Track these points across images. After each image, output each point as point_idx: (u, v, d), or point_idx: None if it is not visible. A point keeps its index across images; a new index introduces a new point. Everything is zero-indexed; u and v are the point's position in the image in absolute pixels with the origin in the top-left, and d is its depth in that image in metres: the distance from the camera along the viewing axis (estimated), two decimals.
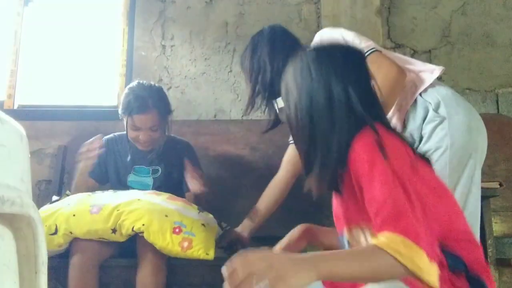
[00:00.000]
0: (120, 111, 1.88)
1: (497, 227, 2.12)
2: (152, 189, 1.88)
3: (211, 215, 1.73)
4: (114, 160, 1.94)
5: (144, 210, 1.53)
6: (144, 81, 1.93)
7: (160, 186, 1.90)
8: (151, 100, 1.83)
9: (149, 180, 1.92)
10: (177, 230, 1.51)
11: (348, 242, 1.06)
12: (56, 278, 1.61)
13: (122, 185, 1.90)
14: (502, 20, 2.58)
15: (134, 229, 1.51)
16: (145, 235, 1.50)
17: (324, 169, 1.00)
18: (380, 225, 0.86)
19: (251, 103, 1.65)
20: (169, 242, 1.49)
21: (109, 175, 1.95)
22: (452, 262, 0.93)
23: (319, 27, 2.52)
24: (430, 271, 0.81)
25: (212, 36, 2.53)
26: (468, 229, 1.01)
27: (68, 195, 1.76)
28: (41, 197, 2.26)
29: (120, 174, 1.93)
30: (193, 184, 1.83)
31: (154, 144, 1.89)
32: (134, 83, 1.92)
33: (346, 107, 0.99)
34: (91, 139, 1.88)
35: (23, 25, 2.52)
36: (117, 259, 1.67)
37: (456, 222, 1.00)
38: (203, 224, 1.59)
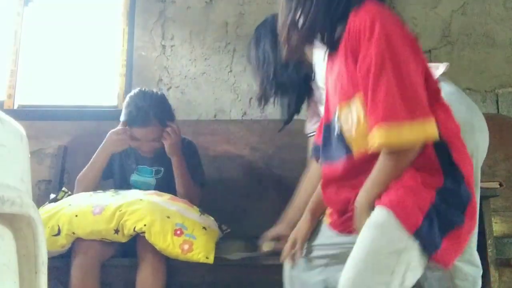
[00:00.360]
0: (121, 118, 1.87)
1: (497, 227, 2.12)
2: (155, 189, 1.88)
3: (212, 218, 1.73)
4: (120, 157, 1.95)
5: (146, 211, 1.53)
6: (146, 89, 1.90)
7: (163, 186, 1.89)
8: (152, 112, 1.80)
9: (152, 181, 1.93)
10: (178, 232, 1.51)
11: (340, 127, 1.07)
12: (58, 278, 1.61)
13: (126, 183, 1.92)
14: (502, 20, 2.58)
15: (136, 229, 1.51)
16: (146, 235, 1.51)
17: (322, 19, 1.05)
18: (373, 121, 0.94)
19: (263, 96, 1.61)
20: (169, 244, 1.49)
21: (114, 172, 1.96)
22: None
23: None
24: (423, 130, 0.91)
25: (212, 36, 2.53)
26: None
27: (65, 192, 1.77)
28: (41, 197, 2.26)
29: (125, 172, 1.94)
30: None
31: (156, 151, 1.89)
32: (135, 91, 1.89)
33: None
34: (118, 128, 1.84)
35: (23, 25, 2.52)
36: (118, 258, 1.67)
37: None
38: (204, 227, 1.59)
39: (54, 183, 2.23)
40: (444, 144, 0.96)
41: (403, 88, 0.93)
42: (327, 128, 1.13)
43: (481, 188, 1.71)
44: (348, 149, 1.04)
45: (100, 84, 2.60)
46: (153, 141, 1.85)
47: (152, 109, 1.81)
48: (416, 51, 1.03)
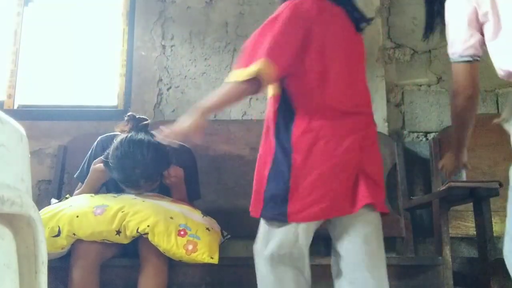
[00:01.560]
0: (105, 156, 1.66)
1: (497, 227, 2.12)
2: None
3: (214, 220, 1.72)
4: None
5: (150, 212, 1.52)
6: (135, 143, 1.62)
7: (160, 192, 1.80)
8: (142, 180, 1.61)
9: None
10: (182, 232, 1.50)
11: None
12: (58, 279, 1.61)
13: (118, 187, 1.78)
14: None
15: (139, 230, 1.50)
16: (149, 236, 1.49)
17: None
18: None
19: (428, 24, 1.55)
20: (173, 245, 1.48)
21: (109, 188, 1.87)
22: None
23: None
24: (253, 68, 1.23)
25: (212, 36, 2.53)
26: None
27: (67, 198, 1.75)
28: (41, 197, 2.26)
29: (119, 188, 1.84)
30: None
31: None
32: (123, 145, 1.62)
33: None
34: (99, 165, 1.71)
35: (23, 25, 2.52)
36: (118, 258, 1.67)
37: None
38: (207, 228, 1.58)
39: (54, 183, 2.23)
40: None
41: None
42: None
43: (481, 188, 1.72)
44: None
45: (100, 84, 2.60)
46: (146, 191, 1.71)
47: (142, 175, 1.60)
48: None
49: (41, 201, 2.19)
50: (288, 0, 1.38)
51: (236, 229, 2.14)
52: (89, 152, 1.86)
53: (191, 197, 1.83)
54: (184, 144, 1.74)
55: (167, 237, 1.48)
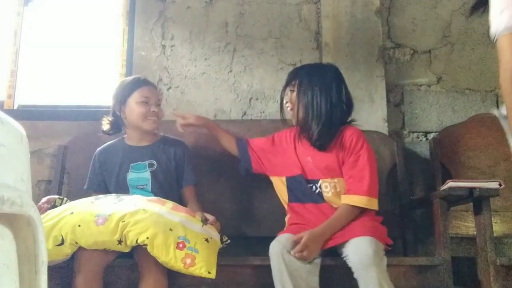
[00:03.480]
0: (119, 96, 1.96)
1: (497, 227, 2.12)
2: (152, 183, 1.90)
3: (214, 228, 1.71)
4: (111, 166, 1.97)
5: (149, 222, 1.51)
6: None
7: (158, 178, 1.92)
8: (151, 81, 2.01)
9: (147, 174, 1.93)
10: (180, 245, 1.50)
11: (320, 188, 1.83)
12: (60, 284, 1.61)
13: (123, 185, 1.92)
14: None
15: (138, 241, 1.49)
16: (148, 248, 1.49)
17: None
18: (366, 190, 1.74)
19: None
20: (172, 258, 1.47)
21: (108, 183, 1.97)
22: None
23: (319, 27, 2.52)
24: (374, 204, 1.75)
25: (212, 36, 2.53)
26: None
27: (61, 199, 1.76)
28: (41, 197, 2.25)
29: (120, 176, 1.94)
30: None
31: (158, 124, 1.97)
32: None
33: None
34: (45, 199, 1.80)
35: (23, 25, 2.52)
36: (119, 259, 1.67)
37: None
38: (206, 239, 1.57)
39: (54, 183, 2.23)
40: None
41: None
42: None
43: (481, 188, 1.72)
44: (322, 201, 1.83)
45: (100, 84, 2.60)
46: (158, 106, 1.95)
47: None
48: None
49: (41, 201, 2.18)
50: (357, 128, 1.88)
51: (236, 229, 2.15)
52: (91, 165, 2.03)
53: (188, 183, 1.98)
54: (176, 138, 2.06)
55: (165, 249, 1.48)
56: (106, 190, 1.94)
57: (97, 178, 1.98)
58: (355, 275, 1.53)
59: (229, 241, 1.75)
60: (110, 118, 2.00)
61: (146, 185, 1.92)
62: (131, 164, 1.94)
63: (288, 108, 1.92)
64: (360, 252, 1.54)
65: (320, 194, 1.83)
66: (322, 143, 1.82)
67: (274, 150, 2.00)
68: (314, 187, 1.85)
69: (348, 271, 1.55)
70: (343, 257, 1.62)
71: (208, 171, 2.22)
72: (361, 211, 1.75)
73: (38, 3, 2.61)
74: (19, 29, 2.50)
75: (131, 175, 1.93)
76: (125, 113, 1.95)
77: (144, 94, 1.92)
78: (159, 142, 2.00)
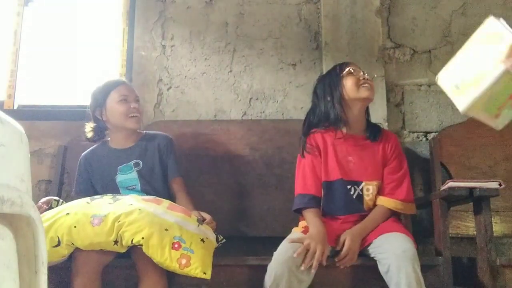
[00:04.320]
0: (97, 101, 1.97)
1: (497, 227, 2.12)
2: (141, 183, 1.91)
3: (209, 228, 1.71)
4: (98, 170, 1.98)
5: (145, 223, 1.51)
6: None
7: (145, 177, 1.93)
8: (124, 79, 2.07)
9: (134, 174, 1.94)
10: (176, 245, 1.49)
11: (361, 191, 1.78)
12: (58, 285, 1.60)
13: (113, 188, 1.92)
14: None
15: (134, 241, 1.49)
16: (143, 248, 1.49)
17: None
18: (405, 195, 1.78)
19: None
20: (167, 258, 1.47)
21: (96, 187, 1.97)
22: None
23: (319, 27, 2.52)
24: (412, 209, 1.81)
25: (212, 36, 2.53)
26: None
27: (57, 201, 1.76)
28: (41, 197, 2.25)
29: (107, 179, 1.95)
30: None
31: (140, 121, 1.98)
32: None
33: None
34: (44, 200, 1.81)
35: (23, 25, 2.52)
36: (118, 258, 1.67)
37: None
38: (202, 240, 1.57)
39: (54, 183, 2.23)
40: None
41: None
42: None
43: (481, 188, 1.72)
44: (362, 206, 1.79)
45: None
46: (136, 102, 1.96)
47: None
48: None
49: (40, 201, 2.18)
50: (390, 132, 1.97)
51: (236, 229, 2.15)
52: (77, 171, 2.03)
53: (174, 175, 1.97)
54: (160, 133, 2.06)
55: (161, 250, 1.47)
56: (95, 194, 1.93)
57: (84, 183, 1.99)
58: (391, 267, 1.50)
59: (224, 240, 1.74)
60: (92, 125, 2.01)
61: (135, 185, 1.92)
62: (119, 167, 1.95)
63: (368, 86, 1.81)
64: (400, 245, 1.53)
65: (360, 198, 1.78)
66: (374, 136, 1.83)
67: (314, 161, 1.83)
68: (353, 189, 1.78)
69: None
70: (369, 254, 1.65)
71: (208, 171, 2.22)
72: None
73: (38, 3, 2.61)
74: (19, 29, 2.50)
75: (119, 177, 1.94)
76: (106, 116, 1.95)
77: (122, 93, 1.94)
78: (142, 140, 2.00)
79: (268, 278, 1.51)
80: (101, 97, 1.95)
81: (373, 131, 1.85)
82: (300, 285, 1.52)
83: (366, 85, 1.80)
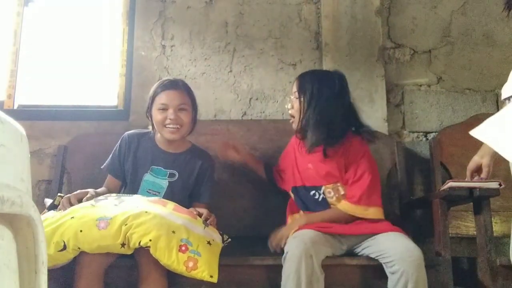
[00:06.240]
0: (148, 102, 1.90)
1: (497, 227, 2.12)
2: (166, 193, 1.87)
3: (215, 230, 1.71)
4: (133, 156, 1.93)
5: (152, 225, 1.50)
6: None
7: (175, 190, 1.89)
8: (180, 82, 1.92)
9: (164, 183, 1.90)
10: (183, 248, 1.49)
11: (323, 194, 1.84)
12: (60, 285, 1.60)
13: (136, 183, 1.90)
14: (502, 20, 2.58)
15: (141, 243, 1.48)
16: (151, 250, 1.48)
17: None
18: (357, 199, 1.78)
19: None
20: (174, 260, 1.47)
21: (126, 172, 1.94)
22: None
23: (319, 27, 2.52)
24: (371, 214, 1.77)
25: (212, 36, 2.53)
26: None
27: (61, 197, 1.74)
28: (41, 197, 2.26)
29: (138, 172, 1.91)
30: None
31: (182, 132, 1.88)
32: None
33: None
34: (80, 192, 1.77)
35: (23, 25, 2.52)
36: (119, 259, 1.67)
37: None
38: (208, 242, 1.57)
39: (54, 183, 2.23)
40: None
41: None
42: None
43: (481, 188, 1.72)
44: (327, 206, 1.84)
45: (100, 84, 2.60)
46: (179, 110, 1.85)
47: (181, 81, 1.95)
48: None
49: (41, 201, 2.18)
50: (362, 139, 1.86)
51: (236, 229, 2.14)
52: (115, 148, 1.97)
53: (202, 200, 1.93)
54: (204, 149, 2.04)
55: (168, 252, 1.47)
56: (121, 176, 1.94)
57: (115, 163, 1.94)
58: (395, 268, 1.54)
59: (229, 240, 1.75)
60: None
61: (159, 192, 1.89)
62: (152, 166, 1.91)
63: (290, 115, 1.91)
64: (407, 248, 1.58)
65: (324, 200, 1.84)
66: (325, 151, 1.81)
67: (284, 166, 2.03)
68: (317, 194, 1.85)
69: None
70: (361, 251, 1.71)
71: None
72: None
73: (38, 3, 2.61)
74: (19, 29, 2.50)
75: (148, 177, 1.90)
76: (152, 118, 1.91)
77: (161, 101, 1.85)
78: (186, 152, 1.95)
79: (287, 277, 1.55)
80: (149, 99, 1.90)
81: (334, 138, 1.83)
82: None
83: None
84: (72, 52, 2.62)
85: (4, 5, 2.56)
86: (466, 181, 1.76)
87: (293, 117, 1.89)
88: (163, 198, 1.83)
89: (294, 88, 1.89)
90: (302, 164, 1.91)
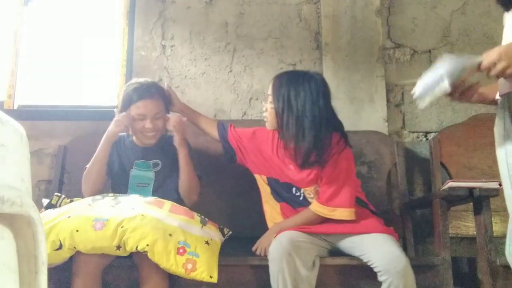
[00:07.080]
0: (120, 107, 1.90)
1: (497, 227, 2.12)
2: (155, 183, 1.91)
3: (213, 227, 1.71)
4: (117, 155, 1.97)
5: (148, 229, 1.50)
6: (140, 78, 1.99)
7: (161, 178, 1.93)
8: (154, 88, 1.90)
9: (151, 174, 1.94)
10: (181, 250, 1.49)
11: (303, 194, 1.83)
12: (58, 285, 1.60)
13: (125, 180, 1.93)
14: (502, 20, 2.57)
15: (138, 248, 1.48)
16: (149, 254, 1.48)
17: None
18: (325, 200, 1.74)
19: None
20: (173, 264, 1.47)
21: (115, 173, 1.96)
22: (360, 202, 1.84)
23: (319, 27, 2.52)
24: (339, 215, 1.72)
25: (212, 36, 2.53)
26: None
27: (58, 196, 1.74)
28: (41, 197, 2.26)
29: (125, 169, 1.95)
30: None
31: (158, 136, 1.92)
32: (131, 80, 1.99)
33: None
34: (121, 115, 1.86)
35: (23, 25, 2.52)
36: (118, 259, 1.67)
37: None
38: (206, 242, 1.57)
39: (54, 183, 2.23)
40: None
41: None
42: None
43: (481, 188, 1.72)
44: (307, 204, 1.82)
45: (100, 84, 2.60)
46: (156, 119, 1.87)
47: (154, 85, 1.92)
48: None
49: (41, 201, 2.18)
50: (346, 144, 1.79)
51: (236, 229, 2.14)
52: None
53: (196, 172, 1.95)
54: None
55: (166, 256, 1.47)
56: (109, 173, 1.95)
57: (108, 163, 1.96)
58: (383, 278, 1.53)
59: (230, 232, 1.77)
60: None
61: (148, 184, 1.92)
62: (136, 161, 1.95)
63: (265, 117, 1.83)
64: (392, 256, 1.54)
65: (305, 199, 1.83)
66: (312, 164, 1.75)
67: (253, 146, 1.90)
68: (298, 192, 1.85)
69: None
70: (347, 250, 1.70)
71: (207, 171, 2.22)
72: (363, 210, 1.81)
73: (38, 3, 2.61)
74: (19, 29, 2.50)
75: (134, 172, 1.94)
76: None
77: (139, 111, 1.85)
78: (161, 141, 1.97)
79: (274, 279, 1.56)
80: (123, 105, 1.89)
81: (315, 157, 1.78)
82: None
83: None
84: (72, 52, 2.62)
85: (4, 5, 2.56)
86: (466, 181, 1.76)
87: (267, 119, 1.81)
88: (152, 187, 1.90)
89: (269, 91, 1.79)
90: (283, 161, 1.83)
